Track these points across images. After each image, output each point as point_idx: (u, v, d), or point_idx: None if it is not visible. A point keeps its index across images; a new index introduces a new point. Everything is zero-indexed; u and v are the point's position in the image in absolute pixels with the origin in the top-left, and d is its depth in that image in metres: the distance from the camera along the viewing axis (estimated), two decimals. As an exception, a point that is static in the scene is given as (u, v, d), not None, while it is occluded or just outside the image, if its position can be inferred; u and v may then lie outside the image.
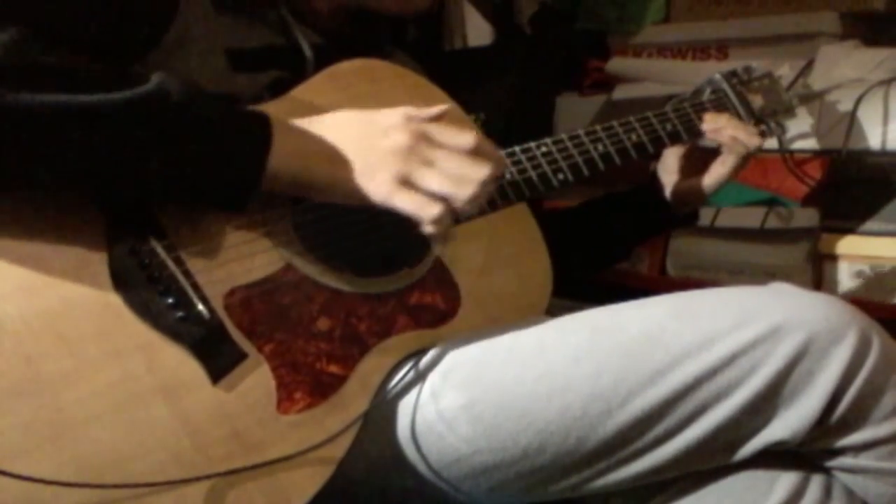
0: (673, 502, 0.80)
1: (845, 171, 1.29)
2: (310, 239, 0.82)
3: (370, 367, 0.80)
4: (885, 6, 1.41)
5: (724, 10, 1.55)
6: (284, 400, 0.76)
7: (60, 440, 0.67)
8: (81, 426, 0.68)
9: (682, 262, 1.45)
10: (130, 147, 0.71)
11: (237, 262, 0.78)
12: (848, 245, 1.28)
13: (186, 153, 0.73)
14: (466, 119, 0.98)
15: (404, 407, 0.81)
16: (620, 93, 1.57)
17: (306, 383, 0.77)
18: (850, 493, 0.78)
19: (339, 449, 0.77)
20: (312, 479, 0.75)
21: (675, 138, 1.09)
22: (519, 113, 1.69)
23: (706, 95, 1.17)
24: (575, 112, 1.63)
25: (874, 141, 1.27)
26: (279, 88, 0.87)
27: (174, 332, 0.73)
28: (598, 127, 1.01)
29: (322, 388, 0.78)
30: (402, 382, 0.81)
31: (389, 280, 0.85)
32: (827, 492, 0.77)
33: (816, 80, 1.34)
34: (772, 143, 1.23)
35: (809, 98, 1.32)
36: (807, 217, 1.32)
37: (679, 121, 1.09)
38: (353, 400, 0.79)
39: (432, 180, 0.77)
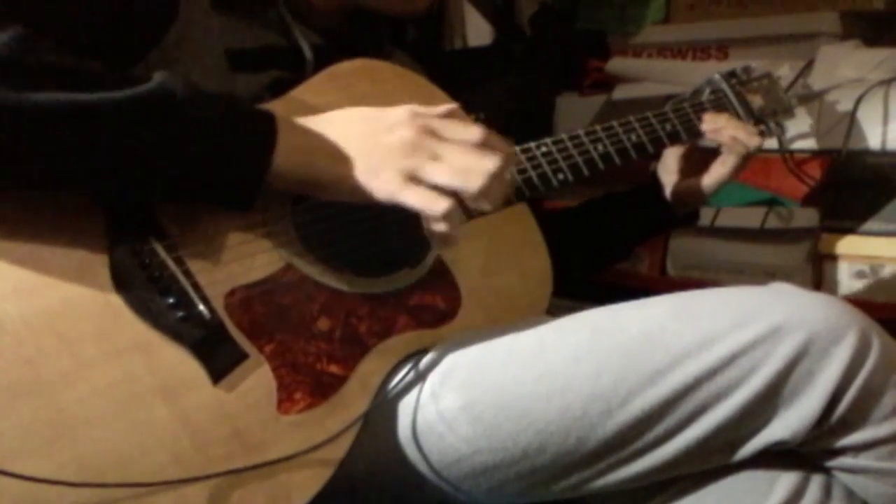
0: (673, 502, 0.80)
1: (845, 171, 1.29)
2: (310, 239, 0.82)
3: (370, 368, 0.81)
4: (885, 6, 1.41)
5: (724, 10, 1.55)
6: (285, 400, 0.76)
7: (61, 440, 0.67)
8: (82, 426, 0.68)
9: (682, 262, 1.45)
10: (133, 146, 0.71)
11: (237, 262, 0.78)
12: (848, 245, 1.28)
13: (190, 152, 0.73)
14: (468, 118, 0.98)
15: (405, 407, 0.81)
16: (620, 93, 1.57)
17: (307, 383, 0.77)
18: (850, 493, 0.78)
19: (340, 449, 0.77)
20: (313, 479, 0.75)
21: (674, 138, 1.09)
22: (519, 113, 1.69)
23: (705, 95, 1.18)
24: (575, 112, 1.63)
25: (874, 141, 1.27)
26: (279, 88, 0.87)
27: (175, 333, 0.73)
28: (598, 127, 1.01)
29: (322, 389, 0.78)
30: (403, 383, 0.81)
31: (390, 280, 0.85)
32: (827, 492, 0.77)
33: (816, 80, 1.34)
34: (772, 143, 1.23)
35: (809, 98, 1.32)
36: (807, 217, 1.32)
37: (678, 121, 1.09)
38: (353, 400, 0.79)
39: (439, 174, 0.75)
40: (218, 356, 0.74)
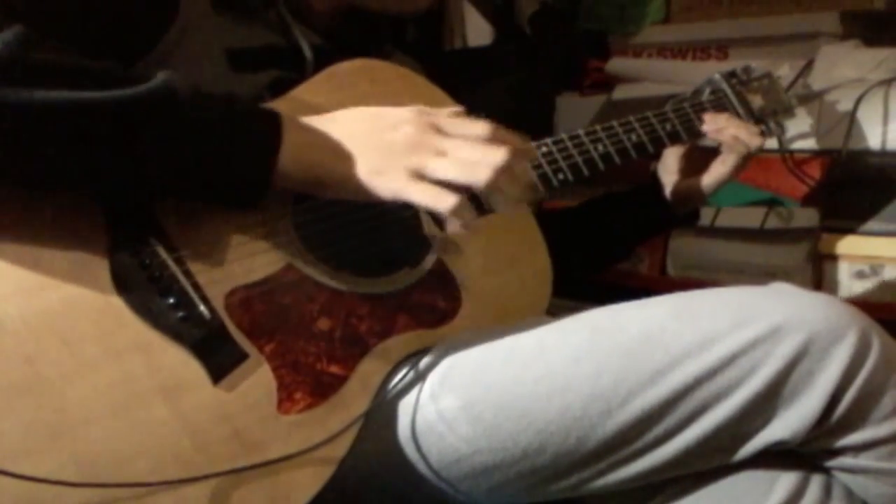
0: (673, 502, 0.80)
1: (845, 171, 1.29)
2: (310, 239, 0.82)
3: (371, 368, 0.81)
4: (885, 6, 1.41)
5: (724, 10, 1.55)
6: (285, 400, 0.76)
7: (61, 440, 0.67)
8: (82, 426, 0.68)
9: (682, 262, 1.45)
10: (137, 145, 0.70)
11: (238, 262, 0.78)
12: (848, 245, 1.28)
13: (195, 151, 0.73)
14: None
15: (405, 407, 0.81)
16: (620, 93, 1.57)
17: (307, 383, 0.77)
18: (850, 493, 0.78)
19: (340, 449, 0.77)
20: (313, 478, 0.75)
21: (674, 138, 1.09)
22: (519, 113, 1.69)
23: (706, 95, 1.18)
24: (575, 112, 1.63)
25: (874, 141, 1.27)
26: (279, 88, 0.87)
27: (175, 333, 0.73)
28: (598, 127, 1.01)
29: (322, 389, 0.78)
30: (403, 382, 0.81)
31: (390, 280, 0.85)
32: (827, 492, 0.77)
33: (816, 80, 1.34)
34: (772, 143, 1.23)
35: (809, 98, 1.32)
36: (807, 217, 1.32)
37: (679, 121, 1.09)
38: (353, 400, 0.79)
39: (444, 169, 0.75)
40: (218, 356, 0.74)
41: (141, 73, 0.72)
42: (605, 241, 1.19)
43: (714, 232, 1.39)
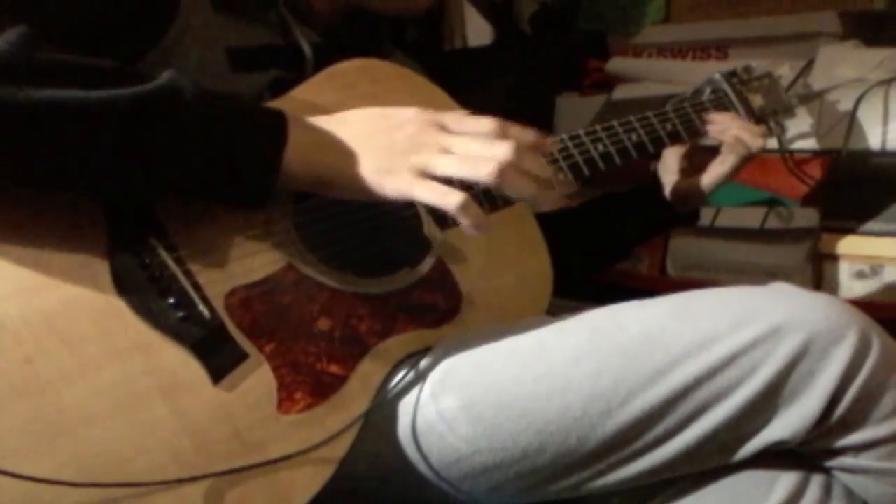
0: (673, 502, 0.80)
1: (845, 171, 1.29)
2: (311, 239, 0.82)
3: (371, 367, 0.80)
4: (885, 6, 1.41)
5: (724, 11, 1.55)
6: (285, 400, 0.76)
7: (61, 440, 0.67)
8: (82, 426, 0.68)
9: (682, 262, 1.45)
10: (142, 144, 0.70)
11: (238, 261, 0.78)
12: (848, 245, 1.28)
13: (200, 150, 0.73)
14: None
15: (405, 407, 0.81)
16: (620, 93, 1.57)
17: (307, 383, 0.77)
18: (850, 493, 0.78)
19: (340, 449, 0.77)
20: (313, 478, 0.75)
21: (675, 138, 1.09)
22: (519, 113, 1.69)
23: (706, 95, 1.18)
24: (575, 112, 1.63)
25: (874, 141, 1.27)
26: (279, 88, 0.87)
27: (175, 333, 0.73)
28: (598, 127, 1.01)
29: (323, 388, 0.78)
30: (403, 382, 0.81)
31: (390, 280, 0.85)
32: (827, 492, 0.77)
33: (816, 80, 1.34)
34: (772, 143, 1.23)
35: (809, 98, 1.32)
36: (807, 217, 1.32)
37: (679, 120, 1.09)
38: (353, 400, 0.79)
39: (447, 165, 0.75)
40: (218, 356, 0.74)
41: (146, 72, 0.72)
42: (605, 241, 1.19)
43: (714, 232, 1.39)
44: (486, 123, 0.77)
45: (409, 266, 0.87)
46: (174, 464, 0.70)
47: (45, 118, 0.67)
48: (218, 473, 0.71)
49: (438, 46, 1.66)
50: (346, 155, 0.76)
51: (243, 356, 0.75)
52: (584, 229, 1.18)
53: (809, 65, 1.36)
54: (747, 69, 1.21)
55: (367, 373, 0.80)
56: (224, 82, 0.85)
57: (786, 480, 0.77)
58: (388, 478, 0.82)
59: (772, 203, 1.35)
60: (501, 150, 0.74)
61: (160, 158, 0.72)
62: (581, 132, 0.99)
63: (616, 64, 1.61)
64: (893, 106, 1.26)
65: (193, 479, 0.70)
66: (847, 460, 0.76)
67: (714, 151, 1.13)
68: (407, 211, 0.88)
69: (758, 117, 1.18)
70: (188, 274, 0.75)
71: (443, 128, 0.77)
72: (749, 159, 1.11)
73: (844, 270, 1.28)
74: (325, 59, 0.90)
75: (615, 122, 1.03)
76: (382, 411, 0.80)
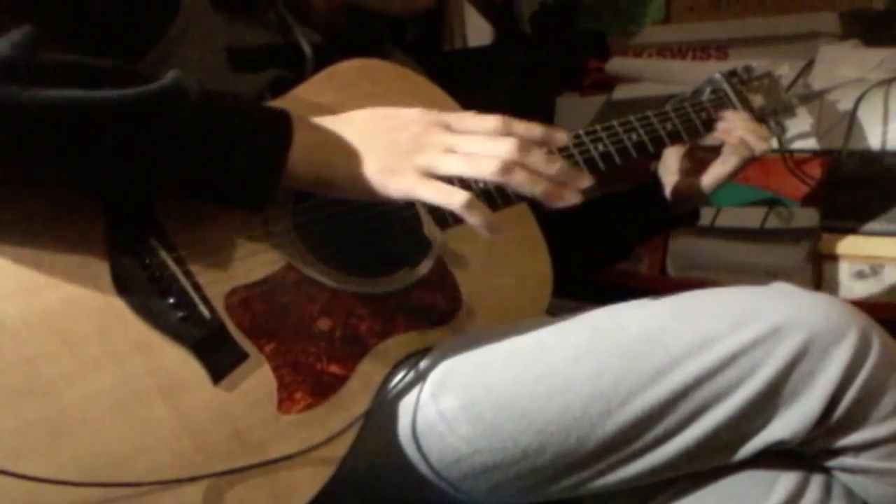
0: (673, 502, 0.80)
1: (845, 171, 1.29)
2: (311, 239, 0.82)
3: (371, 367, 0.80)
4: (885, 6, 1.41)
5: (724, 11, 1.55)
6: (285, 400, 0.76)
7: (61, 440, 0.67)
8: (82, 426, 0.68)
9: (682, 262, 1.45)
10: (146, 143, 0.70)
11: (238, 261, 0.78)
12: (848, 245, 1.28)
13: (204, 150, 0.73)
14: None
15: (405, 407, 0.81)
16: (620, 93, 1.57)
17: (307, 383, 0.77)
18: (850, 493, 0.78)
19: (340, 449, 0.77)
20: (313, 478, 0.75)
21: (675, 138, 1.09)
22: (519, 113, 1.69)
23: (706, 95, 1.17)
24: (575, 112, 1.64)
25: (874, 141, 1.27)
26: (279, 88, 0.87)
27: (175, 333, 0.73)
28: (598, 127, 1.01)
29: (323, 388, 0.78)
30: (403, 382, 0.81)
31: (390, 280, 0.85)
32: (827, 492, 0.77)
33: (816, 80, 1.34)
34: (772, 142, 1.23)
35: (809, 98, 1.32)
36: (807, 217, 1.32)
37: (679, 120, 1.09)
38: (353, 400, 0.79)
39: (450, 164, 0.75)
40: (218, 356, 0.74)
41: (149, 71, 0.72)
42: (605, 241, 1.19)
43: (714, 232, 1.39)
44: (490, 121, 0.77)
45: (409, 266, 0.87)
46: (174, 464, 0.70)
47: (50, 118, 0.67)
48: (218, 473, 0.71)
49: (438, 46, 1.66)
50: (349, 155, 0.76)
51: (243, 356, 0.75)
52: (584, 229, 1.17)
53: (809, 65, 1.36)
54: (747, 69, 1.21)
55: (367, 373, 0.80)
56: (224, 82, 0.85)
57: (786, 480, 0.77)
58: (389, 478, 0.82)
59: (772, 203, 1.35)
60: (504, 147, 0.74)
61: (164, 158, 0.72)
62: (581, 132, 0.99)
63: (616, 64, 1.61)
64: (893, 106, 1.26)
65: (193, 479, 0.70)
66: (847, 460, 0.76)
67: (715, 151, 1.13)
68: (407, 211, 0.88)
69: (758, 117, 1.18)
70: (188, 274, 0.75)
71: (446, 127, 0.77)
72: (750, 161, 1.11)
73: (844, 270, 1.28)
74: (325, 58, 0.91)
75: (615, 122, 1.03)
76: (382, 411, 0.80)
